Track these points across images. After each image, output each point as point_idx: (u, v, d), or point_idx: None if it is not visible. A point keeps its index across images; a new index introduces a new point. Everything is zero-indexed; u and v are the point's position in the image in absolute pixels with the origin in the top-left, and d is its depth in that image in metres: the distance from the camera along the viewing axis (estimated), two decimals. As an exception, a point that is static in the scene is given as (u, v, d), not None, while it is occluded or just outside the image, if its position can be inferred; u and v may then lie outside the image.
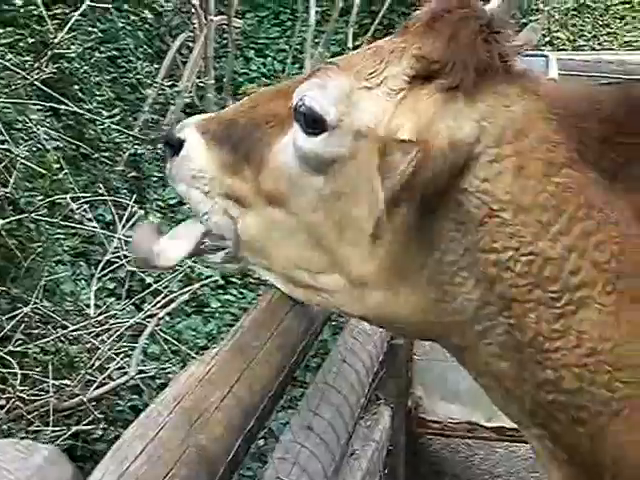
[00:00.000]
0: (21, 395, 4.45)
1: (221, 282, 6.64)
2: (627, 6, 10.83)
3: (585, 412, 1.73)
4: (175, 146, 2.08)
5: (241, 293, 6.64)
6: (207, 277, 6.27)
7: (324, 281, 1.95)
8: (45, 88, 6.60)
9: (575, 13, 10.45)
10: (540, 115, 1.74)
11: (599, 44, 9.63)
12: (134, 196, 6.45)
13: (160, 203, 7.34)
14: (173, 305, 4.98)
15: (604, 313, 1.69)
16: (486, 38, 1.75)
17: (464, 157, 1.71)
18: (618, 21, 10.47)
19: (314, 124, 1.84)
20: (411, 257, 1.81)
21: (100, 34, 7.79)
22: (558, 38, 9.32)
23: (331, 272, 1.93)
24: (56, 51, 6.62)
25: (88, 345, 4.88)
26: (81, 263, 6.14)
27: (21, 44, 6.64)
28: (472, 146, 1.72)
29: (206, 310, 6.38)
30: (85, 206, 5.77)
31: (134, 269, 5.67)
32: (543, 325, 1.71)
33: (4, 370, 4.52)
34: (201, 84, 8.54)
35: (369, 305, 1.91)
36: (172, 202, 7.42)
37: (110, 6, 8.01)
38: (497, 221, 1.71)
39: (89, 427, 4.60)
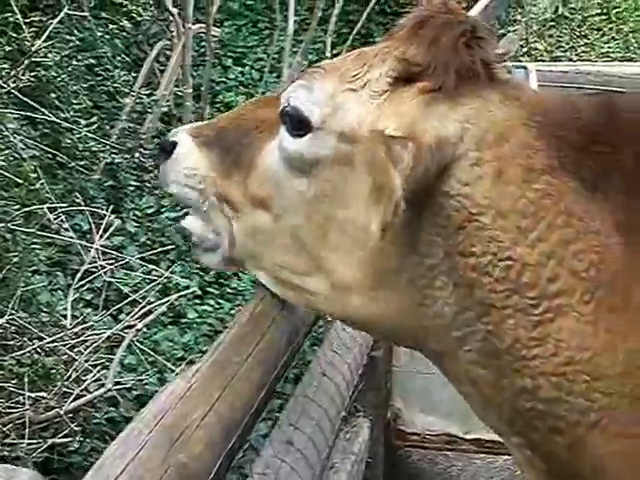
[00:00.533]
0: (-4, 407, 4.40)
1: (198, 292, 6.61)
2: (604, 17, 10.90)
3: (563, 422, 1.73)
4: (168, 151, 2.12)
5: (218, 303, 6.60)
6: (185, 287, 6.24)
7: (309, 283, 1.98)
8: (22, 96, 6.56)
9: (553, 24, 10.50)
10: (521, 122, 1.76)
11: (577, 55, 9.68)
12: (111, 206, 6.41)
13: (137, 212, 7.30)
14: (151, 317, 4.94)
15: (582, 322, 1.69)
16: (468, 43, 1.78)
17: (448, 158, 1.72)
18: (595, 32, 10.53)
19: (299, 125, 1.88)
20: (393, 260, 1.82)
21: (78, 42, 7.75)
22: (536, 49, 9.37)
23: (314, 275, 1.95)
24: (33, 59, 6.56)
25: (64, 357, 4.83)
26: (57, 273, 6.09)
27: (-2, 52, 6.60)
28: (455, 147, 1.73)
29: (183, 321, 6.35)
30: (62, 215, 5.73)
31: (110, 279, 5.63)
32: (521, 332, 1.71)
33: (-21, 382, 4.48)
34: (179, 93, 8.50)
35: (351, 308, 1.93)
36: (149, 211, 7.39)
37: (88, 14, 7.97)
38: (476, 225, 1.72)
39: (65, 440, 4.55)
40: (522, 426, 1.79)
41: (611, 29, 10.62)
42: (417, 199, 1.73)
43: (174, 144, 2.12)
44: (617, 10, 11.05)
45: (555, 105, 1.83)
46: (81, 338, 4.95)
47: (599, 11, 10.99)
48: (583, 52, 9.85)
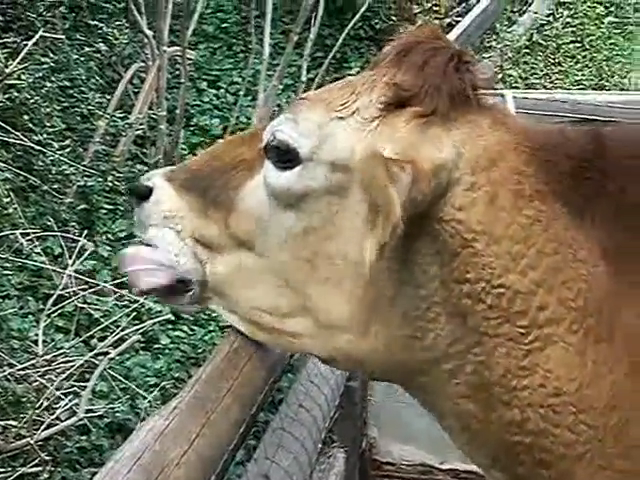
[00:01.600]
0: (-35, 436, 4.33)
1: (171, 318, 6.54)
2: (578, 45, 10.98)
3: (550, 455, 1.72)
4: (142, 194, 2.07)
5: (191, 329, 6.53)
6: (157, 313, 6.17)
7: (290, 324, 1.94)
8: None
9: (527, 51, 10.56)
10: (511, 147, 1.76)
11: (551, 82, 9.74)
12: (84, 230, 6.35)
13: (110, 236, 7.23)
14: (125, 345, 4.88)
15: (570, 352, 1.69)
16: (457, 66, 1.79)
17: (444, 183, 1.72)
18: (569, 60, 10.61)
19: (287, 158, 1.85)
20: (385, 293, 1.80)
21: (52, 64, 7.69)
22: (510, 76, 9.40)
23: (299, 315, 1.91)
24: (6, 81, 6.51)
25: (35, 384, 4.75)
26: (29, 298, 6.01)
27: (-29, 73, 6.53)
28: (451, 172, 1.72)
29: (155, 346, 6.27)
30: (34, 240, 5.66)
31: (83, 305, 5.57)
32: (512, 361, 1.71)
33: (-52, 410, 4.40)
34: (153, 115, 8.46)
35: (337, 347, 1.90)
36: (122, 235, 7.32)
37: (62, 36, 7.92)
38: (470, 251, 1.72)
39: (35, 469, 4.48)
40: (508, 460, 1.78)
41: (585, 57, 10.70)
42: (412, 227, 1.72)
43: (150, 189, 2.07)
44: (591, 38, 11.15)
45: (544, 132, 1.84)
46: (53, 365, 4.88)
47: (573, 39, 11.08)
48: (557, 79, 9.91)
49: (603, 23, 11.65)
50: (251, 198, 1.93)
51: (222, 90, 10.17)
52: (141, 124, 8.28)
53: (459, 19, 10.31)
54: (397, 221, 1.65)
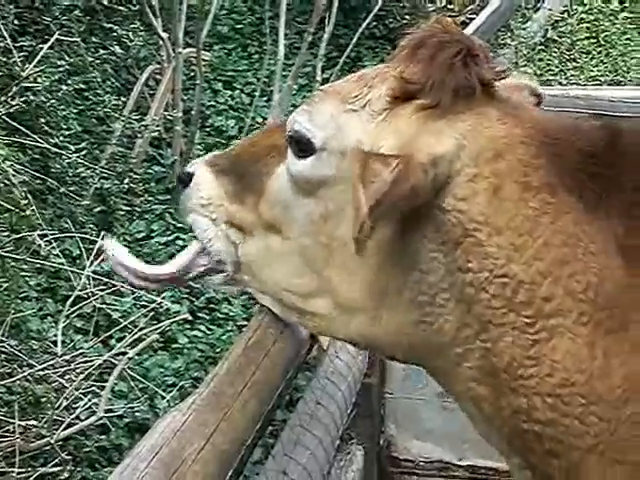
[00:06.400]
0: (-14, 436, 4.36)
1: (189, 317, 6.55)
2: (593, 41, 10.93)
3: (559, 445, 1.72)
4: (186, 181, 2.19)
5: (209, 329, 6.56)
6: (175, 312, 6.19)
7: (312, 304, 2.01)
8: (11, 121, 6.54)
9: (542, 48, 10.53)
10: (520, 139, 1.77)
11: (566, 79, 9.71)
12: (101, 231, 6.37)
13: (127, 237, 7.27)
14: (143, 345, 4.90)
15: (578, 344, 1.68)
16: (465, 61, 1.81)
17: (445, 174, 1.74)
18: (584, 56, 10.57)
19: (303, 148, 1.93)
20: (394, 278, 1.84)
21: (67, 67, 7.73)
22: (525, 72, 9.38)
23: (319, 296, 1.98)
24: (23, 84, 6.55)
25: (55, 384, 4.79)
26: (47, 299, 6.05)
27: (-13, 77, 6.58)
28: (452, 163, 1.74)
29: (174, 346, 6.30)
30: (52, 241, 5.70)
31: (101, 306, 5.60)
32: (517, 350, 1.72)
33: (-31, 411, 4.43)
34: (169, 117, 8.49)
35: (354, 328, 1.96)
36: (139, 236, 7.36)
37: (78, 39, 7.96)
38: (472, 241, 1.73)
39: (56, 469, 4.51)
40: (520, 447, 1.79)
41: (600, 53, 10.65)
42: (418, 215, 1.75)
43: (191, 175, 2.18)
44: (606, 34, 11.10)
45: (557, 125, 1.84)
46: (72, 365, 4.91)
47: (588, 35, 11.03)
48: (572, 75, 9.88)
49: (618, 19, 11.59)
50: (277, 183, 2.02)
51: (237, 91, 10.19)
52: (157, 126, 8.31)
53: (473, 16, 10.30)
54: (364, 219, 1.68)
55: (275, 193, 2.02)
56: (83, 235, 6.21)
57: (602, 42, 10.91)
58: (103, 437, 5.15)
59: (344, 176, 1.86)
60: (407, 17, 11.34)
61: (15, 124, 6.65)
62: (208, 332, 6.51)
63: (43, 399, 4.73)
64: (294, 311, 2.10)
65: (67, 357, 4.98)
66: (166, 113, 8.51)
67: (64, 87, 7.56)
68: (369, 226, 1.69)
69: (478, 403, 1.82)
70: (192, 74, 9.07)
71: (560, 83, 9.27)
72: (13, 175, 5.78)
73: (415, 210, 1.74)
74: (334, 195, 1.90)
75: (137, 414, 5.30)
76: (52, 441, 4.41)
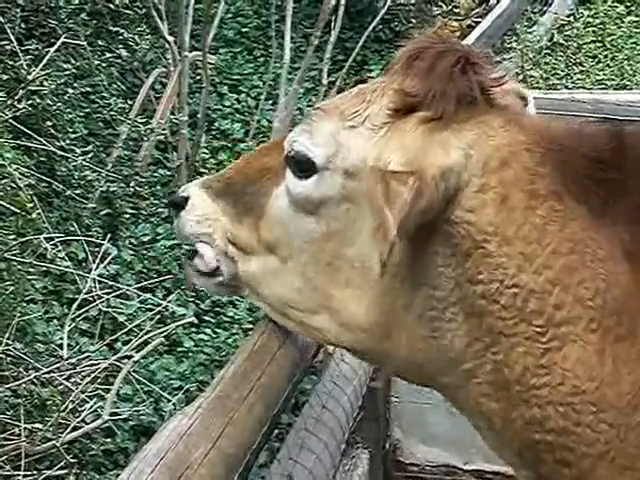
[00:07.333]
0: (-9, 439, 4.35)
1: (195, 321, 6.55)
2: (599, 45, 10.91)
3: (571, 453, 1.72)
4: (179, 205, 2.20)
5: (215, 332, 6.56)
6: (181, 316, 6.19)
7: (316, 320, 2.01)
8: (17, 125, 6.54)
9: (548, 52, 10.52)
10: (523, 147, 1.76)
11: (572, 82, 9.69)
12: (108, 234, 6.39)
13: (133, 240, 7.27)
14: (148, 348, 4.90)
15: (588, 351, 1.68)
16: (464, 69, 1.79)
17: (453, 186, 1.73)
18: (590, 60, 10.55)
19: (304, 168, 1.91)
20: (402, 294, 1.83)
21: (74, 70, 7.73)
22: (531, 76, 9.38)
23: (323, 313, 1.98)
24: (29, 87, 6.55)
25: (60, 387, 4.78)
26: (53, 302, 6.05)
27: (-6, 80, 6.59)
28: (460, 175, 1.73)
29: (179, 349, 6.30)
30: (58, 244, 5.70)
31: (107, 309, 5.59)
32: (529, 360, 1.71)
33: (-26, 414, 4.43)
34: (175, 120, 8.49)
35: (360, 344, 1.96)
36: (145, 239, 7.36)
37: (84, 42, 7.96)
38: (482, 252, 1.73)
39: (61, 472, 4.50)
40: (532, 458, 1.79)
41: (606, 57, 10.63)
42: (426, 230, 1.74)
43: (186, 198, 2.19)
44: (612, 38, 11.08)
45: (561, 131, 1.83)
46: (77, 368, 4.91)
47: (594, 39, 11.02)
48: (578, 79, 9.86)
49: (624, 22, 11.57)
50: (277, 204, 2.01)
51: (243, 94, 10.19)
52: (163, 129, 8.31)
53: (479, 20, 10.30)
54: (393, 241, 1.68)
55: (275, 214, 2.02)
56: (89, 238, 6.22)
57: (608, 46, 10.89)
58: (109, 440, 5.15)
59: (351, 195, 1.85)
60: (413, 20, 11.33)
61: (21, 127, 6.65)
62: (214, 335, 6.51)
63: (48, 402, 4.72)
64: (297, 324, 2.10)
65: (73, 360, 4.98)
66: (172, 116, 8.51)
67: (70, 90, 7.56)
68: (397, 247, 1.69)
69: (489, 418, 1.82)
70: (198, 77, 9.07)
71: (566, 87, 9.25)
72: (19, 178, 5.78)
73: (423, 225, 1.73)
74: (338, 214, 1.88)
75: (142, 417, 5.30)
76: (58, 444, 4.40)
